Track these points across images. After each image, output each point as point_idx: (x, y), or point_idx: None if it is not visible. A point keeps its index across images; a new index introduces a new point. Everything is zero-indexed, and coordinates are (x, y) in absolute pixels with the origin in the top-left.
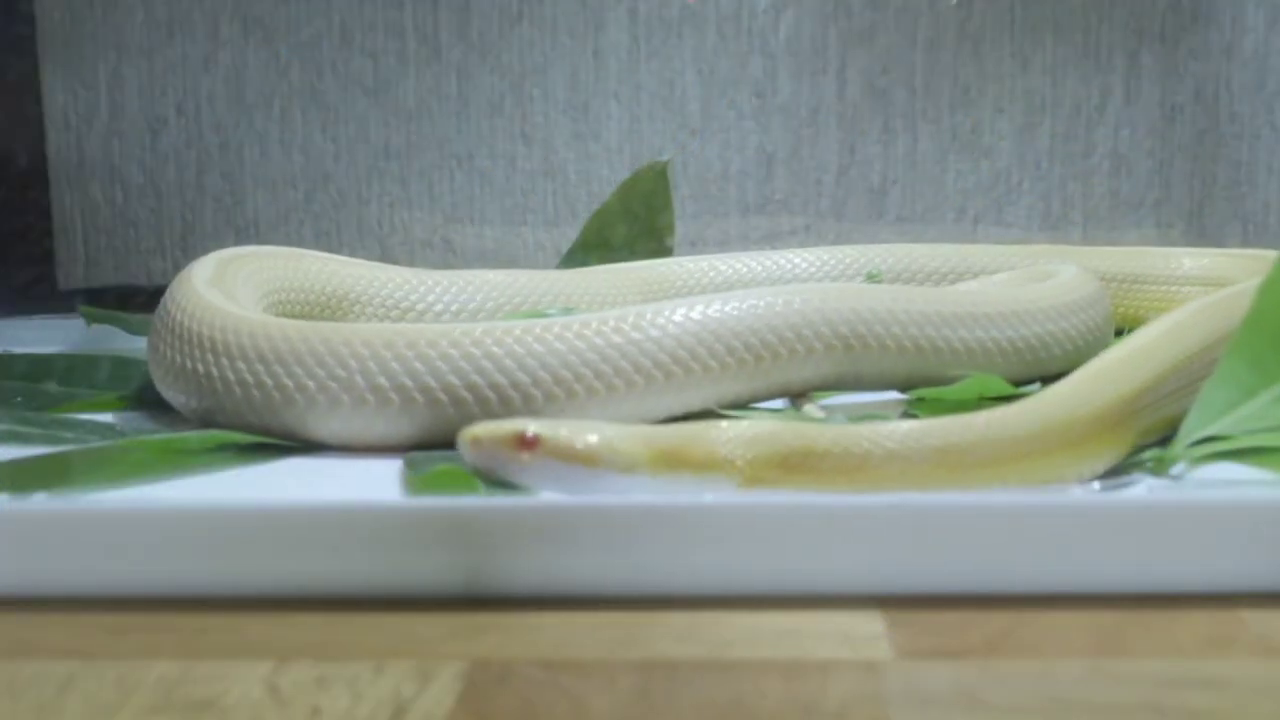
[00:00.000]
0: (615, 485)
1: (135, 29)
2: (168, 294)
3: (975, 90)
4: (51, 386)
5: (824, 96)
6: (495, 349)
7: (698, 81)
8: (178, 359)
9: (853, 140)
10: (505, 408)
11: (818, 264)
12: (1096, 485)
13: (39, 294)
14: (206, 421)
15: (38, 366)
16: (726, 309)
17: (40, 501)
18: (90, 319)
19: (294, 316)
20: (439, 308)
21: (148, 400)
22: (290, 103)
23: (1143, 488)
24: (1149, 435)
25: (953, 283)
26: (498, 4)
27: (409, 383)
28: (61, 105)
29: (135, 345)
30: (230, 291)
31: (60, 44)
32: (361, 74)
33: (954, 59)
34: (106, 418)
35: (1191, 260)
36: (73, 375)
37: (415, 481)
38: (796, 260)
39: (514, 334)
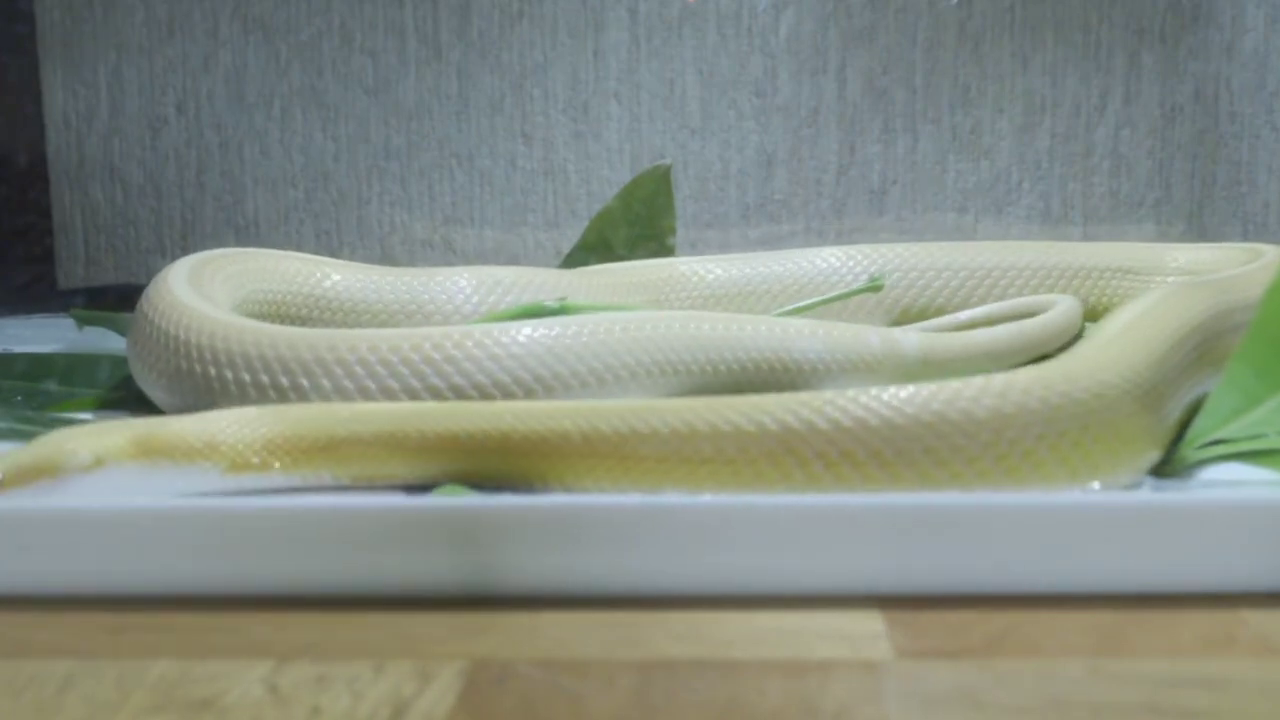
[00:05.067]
0: (85, 486)
1: (135, 29)
2: (144, 296)
3: (975, 90)
4: (51, 386)
5: (824, 96)
6: (476, 351)
7: (698, 81)
8: (155, 359)
9: (853, 140)
10: None
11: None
12: (1096, 485)
13: (39, 293)
14: None
15: (38, 366)
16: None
17: (40, 501)
18: (80, 321)
19: (271, 318)
20: (428, 306)
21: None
22: (290, 102)
23: (1144, 488)
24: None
25: (964, 280)
26: (498, 4)
27: (394, 385)
28: (61, 105)
29: None
30: (207, 293)
31: (60, 44)
32: (361, 74)
33: (954, 59)
34: (106, 417)
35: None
36: (73, 374)
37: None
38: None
39: (507, 334)
